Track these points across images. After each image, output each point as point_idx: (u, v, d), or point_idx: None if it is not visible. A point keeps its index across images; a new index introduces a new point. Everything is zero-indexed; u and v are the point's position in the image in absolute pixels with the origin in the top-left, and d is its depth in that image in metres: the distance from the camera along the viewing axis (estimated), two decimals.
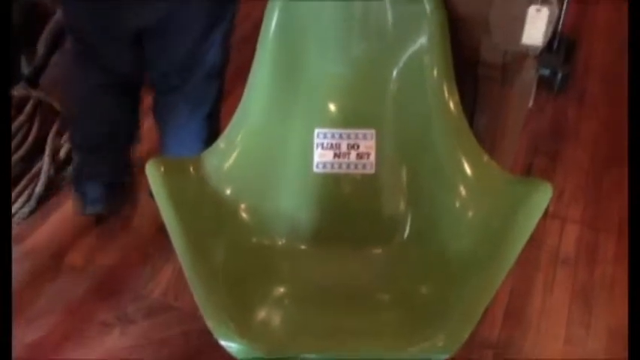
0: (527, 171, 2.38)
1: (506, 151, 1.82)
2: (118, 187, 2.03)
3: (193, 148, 1.78)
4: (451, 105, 1.46)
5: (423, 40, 1.46)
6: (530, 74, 1.72)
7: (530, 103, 2.37)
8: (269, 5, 1.47)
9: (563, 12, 2.58)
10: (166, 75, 1.79)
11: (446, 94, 1.46)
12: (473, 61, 1.62)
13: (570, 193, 2.29)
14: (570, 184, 2.34)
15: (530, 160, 2.43)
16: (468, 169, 1.45)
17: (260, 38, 1.48)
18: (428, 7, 1.45)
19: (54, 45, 2.46)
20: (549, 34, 1.50)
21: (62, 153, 2.28)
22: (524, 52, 1.55)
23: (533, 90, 2.40)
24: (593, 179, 2.35)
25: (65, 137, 2.30)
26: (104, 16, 1.67)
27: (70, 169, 2.22)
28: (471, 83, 1.64)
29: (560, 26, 2.65)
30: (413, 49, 1.48)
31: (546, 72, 2.65)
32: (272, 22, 1.47)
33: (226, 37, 1.76)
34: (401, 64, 1.49)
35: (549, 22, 1.47)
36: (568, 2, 2.58)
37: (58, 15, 2.41)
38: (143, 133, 2.07)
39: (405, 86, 1.50)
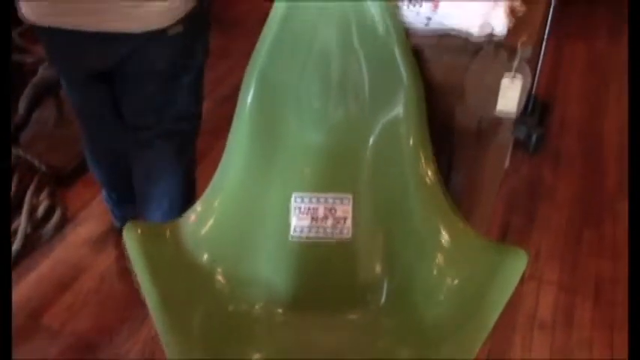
0: (504, 231, 2.40)
1: (482, 211, 1.84)
2: None
3: (168, 188, 1.81)
4: (428, 173, 1.48)
5: (399, 108, 1.49)
6: (505, 137, 1.75)
7: (506, 164, 2.41)
8: (248, 70, 1.50)
9: (536, 76, 2.65)
10: (138, 114, 1.83)
11: (422, 162, 1.48)
12: (448, 126, 1.65)
13: (547, 253, 2.31)
14: (547, 244, 2.36)
15: (507, 219, 2.45)
16: (444, 236, 1.46)
17: (238, 103, 1.50)
18: (404, 76, 1.47)
19: (34, 103, 2.47)
20: (523, 101, 1.54)
21: (40, 211, 2.27)
22: (499, 119, 1.58)
23: (509, 151, 2.45)
24: (570, 239, 2.38)
25: (44, 194, 2.30)
26: (69, 55, 1.74)
27: (47, 226, 2.21)
28: (446, 145, 1.66)
29: (534, 89, 2.71)
30: (389, 116, 1.50)
31: (521, 134, 2.70)
32: (250, 88, 1.49)
33: (195, 83, 1.81)
34: (377, 131, 1.51)
35: (523, 90, 1.50)
36: (541, 68, 2.65)
37: (39, 74, 2.44)
38: None
39: (382, 153, 1.52)
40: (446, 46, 1.51)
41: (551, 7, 2.53)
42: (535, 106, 2.78)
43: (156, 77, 1.74)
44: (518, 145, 2.71)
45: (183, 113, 1.84)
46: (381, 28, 1.46)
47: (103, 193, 2.20)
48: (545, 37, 2.64)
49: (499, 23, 1.45)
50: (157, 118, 1.83)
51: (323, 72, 1.49)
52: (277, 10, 1.45)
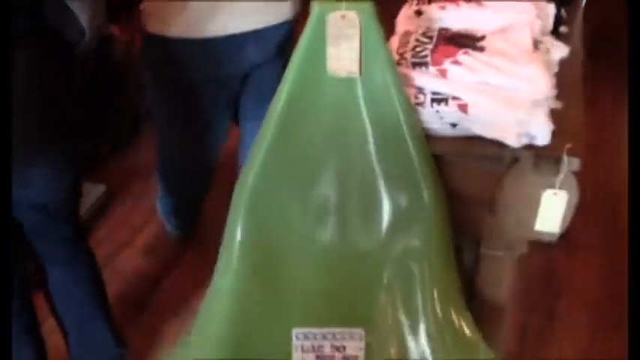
0: (524, 333, 2.15)
1: (504, 319, 1.61)
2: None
3: None
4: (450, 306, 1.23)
5: (420, 231, 1.25)
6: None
7: None
8: (234, 201, 1.26)
9: None
10: None
11: (443, 293, 1.24)
12: (474, 238, 1.42)
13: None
14: (570, 348, 2.10)
15: (524, 320, 2.19)
16: None
17: (225, 238, 1.26)
18: (426, 197, 1.23)
19: None
20: (568, 220, 1.30)
21: None
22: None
23: None
24: (596, 342, 2.12)
25: None
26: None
27: None
28: (470, 253, 1.43)
29: None
30: (409, 239, 1.26)
31: None
32: (237, 221, 1.25)
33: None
34: (395, 256, 1.26)
35: (568, 207, 1.27)
36: None
37: None
38: None
39: (399, 280, 1.27)
40: (476, 153, 1.27)
41: None
42: None
43: None
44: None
45: None
46: (395, 137, 1.22)
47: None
48: None
49: (541, 131, 1.22)
50: None
51: (325, 195, 1.25)
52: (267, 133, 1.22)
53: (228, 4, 1.56)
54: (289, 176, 1.24)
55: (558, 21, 1.61)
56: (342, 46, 1.17)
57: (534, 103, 1.19)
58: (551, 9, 1.54)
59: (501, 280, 1.50)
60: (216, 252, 1.31)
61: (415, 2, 1.50)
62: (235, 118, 1.87)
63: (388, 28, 1.51)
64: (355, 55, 1.17)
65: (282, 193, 1.24)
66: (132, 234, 2.29)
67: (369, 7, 1.17)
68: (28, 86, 1.26)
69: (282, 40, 1.67)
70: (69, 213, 1.53)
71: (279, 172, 1.24)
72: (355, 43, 1.17)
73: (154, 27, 1.60)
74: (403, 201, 1.24)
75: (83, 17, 1.32)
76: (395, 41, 1.35)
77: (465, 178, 1.32)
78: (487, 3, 1.47)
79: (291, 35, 1.69)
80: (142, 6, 1.61)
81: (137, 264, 2.20)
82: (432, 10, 1.46)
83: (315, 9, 1.16)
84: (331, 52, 1.17)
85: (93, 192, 2.39)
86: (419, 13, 1.46)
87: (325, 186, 1.24)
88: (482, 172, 1.29)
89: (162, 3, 1.56)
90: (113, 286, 2.07)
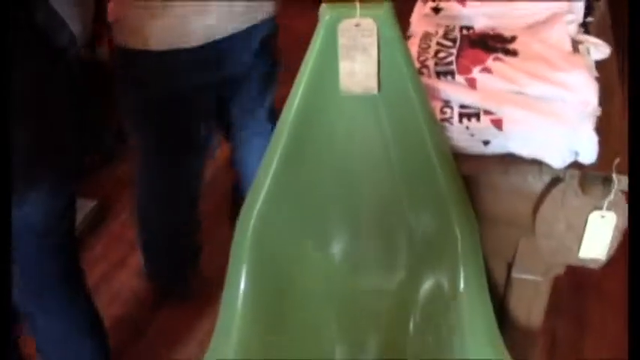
0: (553, 340, 2.01)
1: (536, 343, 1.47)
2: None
3: None
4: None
5: (449, 265, 1.09)
6: None
7: None
8: (235, 241, 1.10)
9: None
10: None
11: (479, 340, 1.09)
12: (506, 261, 1.27)
13: None
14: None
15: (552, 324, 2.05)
16: None
17: (225, 289, 1.10)
18: (456, 226, 1.08)
19: None
20: (615, 246, 1.14)
21: None
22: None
23: None
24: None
25: None
26: None
27: None
28: (500, 273, 1.29)
29: None
30: (437, 274, 1.10)
31: None
32: (242, 267, 1.09)
33: None
34: (421, 294, 1.11)
35: (617, 232, 1.11)
36: None
37: None
38: None
39: (426, 323, 1.12)
40: (511, 174, 1.12)
41: None
42: None
43: None
44: None
45: None
46: (420, 160, 1.07)
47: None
48: None
49: (587, 148, 1.06)
50: None
51: (341, 229, 1.09)
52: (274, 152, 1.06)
53: (212, 6, 1.42)
54: (299, 209, 1.09)
55: (587, 11, 1.44)
56: (357, 58, 1.01)
57: (580, 116, 1.03)
58: None
59: (535, 305, 1.35)
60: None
61: None
62: (222, 130, 1.75)
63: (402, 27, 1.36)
64: (373, 69, 1.01)
65: (291, 229, 1.08)
66: (127, 252, 2.14)
67: (387, 12, 1.00)
68: (21, 95, 1.12)
69: (266, 39, 1.56)
70: (63, 239, 1.39)
71: (287, 205, 1.09)
72: (372, 55, 1.01)
73: (129, 41, 1.43)
74: (430, 231, 1.09)
75: (74, 23, 1.20)
76: (414, 46, 1.19)
77: (497, 198, 1.17)
78: None
79: (275, 32, 1.59)
80: (110, 18, 1.44)
81: (134, 285, 2.05)
82: (452, 7, 1.29)
83: (324, 16, 1.00)
84: (344, 66, 1.01)
85: (83, 207, 2.23)
86: (436, 10, 1.30)
87: (341, 218, 1.09)
88: (516, 191, 1.14)
89: (135, 12, 1.40)
90: (108, 310, 1.94)
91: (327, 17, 1.00)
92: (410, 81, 1.03)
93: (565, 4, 1.31)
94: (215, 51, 1.46)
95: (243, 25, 1.49)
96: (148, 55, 1.42)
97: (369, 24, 0.99)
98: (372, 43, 1.00)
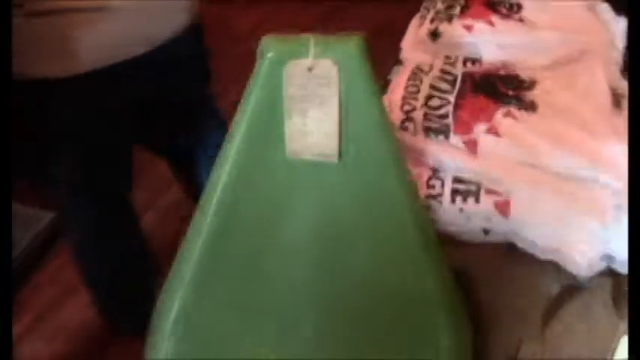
0: None
1: None
2: None
3: None
4: None
5: None
6: None
7: None
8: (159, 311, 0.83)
9: None
10: None
11: None
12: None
13: None
14: None
15: None
16: None
17: None
18: (444, 337, 0.79)
19: None
20: None
21: None
22: None
23: None
24: None
25: None
26: None
27: None
28: None
29: None
30: None
31: None
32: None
33: None
34: None
35: None
36: None
37: None
38: None
39: None
40: (516, 276, 0.83)
41: None
42: None
43: None
44: None
45: None
46: (397, 249, 0.79)
47: None
48: None
49: (624, 250, 0.77)
50: None
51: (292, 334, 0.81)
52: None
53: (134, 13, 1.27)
54: (232, 305, 0.81)
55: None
56: (310, 114, 0.72)
57: (619, 207, 0.74)
58: (621, 24, 1.07)
59: None
60: None
61: (429, 18, 1.03)
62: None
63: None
64: (332, 129, 0.73)
65: (223, 322, 0.81)
66: None
67: (355, 49, 0.71)
68: None
69: (191, 49, 1.42)
70: None
71: (217, 295, 0.81)
72: (332, 110, 0.72)
73: (33, 70, 1.24)
74: (409, 345, 0.81)
75: None
76: (399, 88, 0.89)
77: (496, 294, 0.88)
78: (531, 17, 1.02)
79: (200, 38, 1.45)
80: None
81: (84, 317, 1.78)
82: (454, 31, 1.00)
83: (265, 54, 0.71)
84: (292, 124, 0.73)
85: (38, 220, 1.98)
86: (435, 35, 1.00)
87: (280, 313, 0.81)
88: (524, 293, 0.85)
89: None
90: (54, 345, 1.70)
91: (269, 56, 0.71)
92: (384, 145, 0.74)
93: (604, 33, 1.02)
94: (132, 70, 1.31)
95: (169, 36, 1.34)
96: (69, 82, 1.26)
97: (328, 67, 0.71)
98: (331, 94, 0.71)
